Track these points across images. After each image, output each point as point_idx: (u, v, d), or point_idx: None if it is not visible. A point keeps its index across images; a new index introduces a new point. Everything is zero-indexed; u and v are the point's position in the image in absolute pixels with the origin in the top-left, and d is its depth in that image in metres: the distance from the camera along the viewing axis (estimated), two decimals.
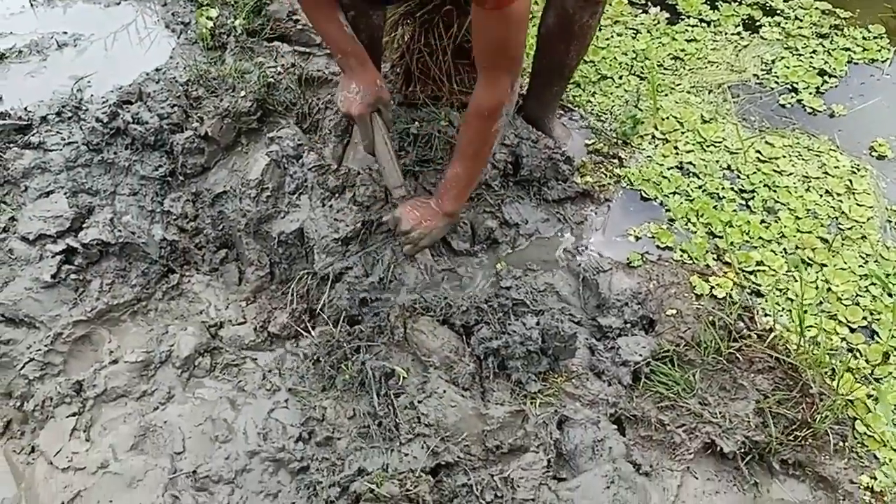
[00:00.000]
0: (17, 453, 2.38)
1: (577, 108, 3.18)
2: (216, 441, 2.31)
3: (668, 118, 3.10)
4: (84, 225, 2.71)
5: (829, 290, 2.53)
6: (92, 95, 3.14)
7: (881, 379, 2.33)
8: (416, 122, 2.77)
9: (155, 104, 2.96)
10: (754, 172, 2.88)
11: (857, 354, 2.40)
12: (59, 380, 2.44)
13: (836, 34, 3.43)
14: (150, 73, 3.20)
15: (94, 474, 2.24)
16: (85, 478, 2.24)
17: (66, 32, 3.56)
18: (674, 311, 2.45)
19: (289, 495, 2.22)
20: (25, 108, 3.04)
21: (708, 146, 3.00)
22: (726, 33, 3.50)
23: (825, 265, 2.59)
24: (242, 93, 2.97)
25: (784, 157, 2.93)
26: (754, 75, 3.31)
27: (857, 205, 2.76)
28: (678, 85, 3.27)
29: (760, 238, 2.68)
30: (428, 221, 2.44)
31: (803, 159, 2.93)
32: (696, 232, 2.73)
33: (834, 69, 3.29)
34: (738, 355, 2.32)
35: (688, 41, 3.48)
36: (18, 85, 3.28)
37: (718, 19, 3.56)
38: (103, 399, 2.42)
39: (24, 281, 2.57)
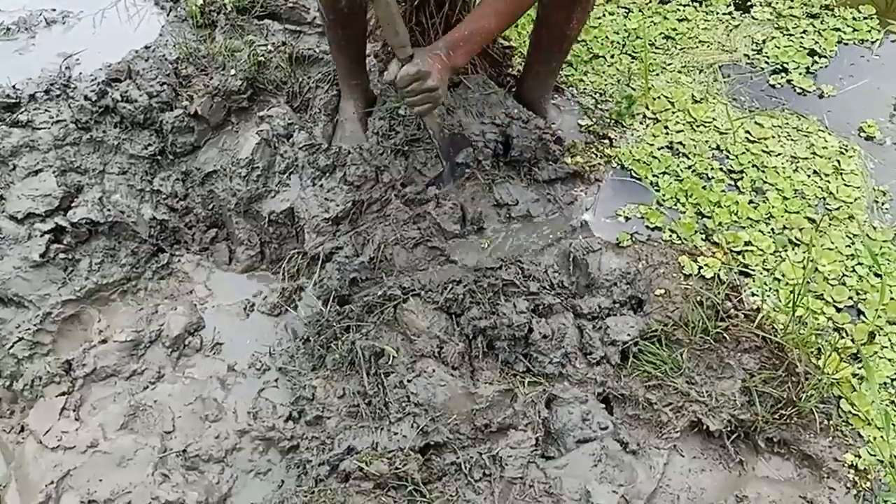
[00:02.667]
0: (7, 432, 2.39)
1: (568, 88, 3.17)
2: (206, 420, 2.33)
3: (659, 98, 3.10)
4: (73, 204, 2.70)
5: (816, 270, 2.54)
6: (80, 73, 3.12)
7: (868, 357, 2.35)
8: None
9: (144, 82, 2.94)
10: (743, 153, 2.89)
11: (844, 334, 2.41)
12: (48, 359, 2.44)
13: (827, 14, 3.43)
14: (140, 51, 3.17)
15: (83, 453, 2.25)
16: (74, 457, 2.25)
17: (54, 9, 3.53)
18: (662, 291, 2.47)
19: (279, 474, 2.24)
20: (13, 86, 3.02)
21: (698, 126, 3.00)
22: (717, 13, 3.50)
23: (812, 245, 2.60)
24: (233, 71, 2.95)
25: (773, 137, 2.94)
26: (745, 55, 3.31)
27: (845, 185, 2.78)
28: (669, 64, 3.27)
29: (749, 218, 2.69)
30: (441, 74, 2.26)
31: (792, 140, 2.94)
32: (685, 212, 2.73)
33: (824, 49, 3.29)
34: (725, 335, 2.33)
35: (679, 20, 3.47)
36: (6, 62, 3.26)
37: None
38: (93, 378, 2.43)
39: (13, 260, 2.56)
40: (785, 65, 3.24)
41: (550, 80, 2.94)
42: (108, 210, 2.69)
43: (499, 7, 2.26)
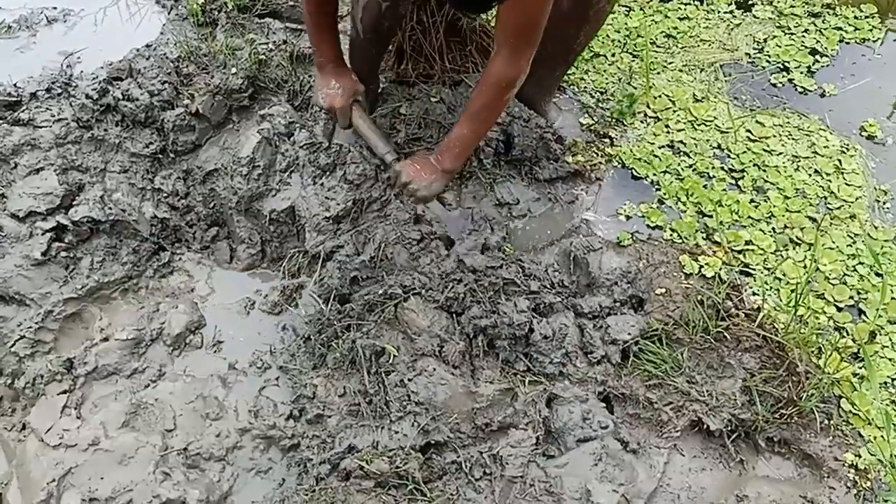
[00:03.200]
0: (8, 430, 2.39)
1: (570, 86, 3.17)
2: (207, 418, 2.33)
3: (660, 96, 3.10)
4: (74, 202, 2.70)
5: (816, 269, 2.54)
6: (82, 72, 3.12)
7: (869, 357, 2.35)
8: (408, 101, 2.77)
9: (145, 81, 2.94)
10: (744, 152, 2.89)
11: (844, 333, 2.41)
12: (49, 357, 2.45)
13: (829, 13, 3.43)
14: (141, 50, 3.17)
15: (85, 451, 2.26)
16: (76, 455, 2.25)
17: (55, 7, 3.52)
18: (663, 290, 2.47)
19: (280, 472, 2.24)
20: (15, 84, 3.02)
21: (699, 125, 3.00)
22: (719, 11, 3.49)
23: (813, 245, 2.60)
24: (234, 70, 2.95)
25: (774, 136, 2.94)
26: (746, 54, 3.30)
27: (846, 184, 2.78)
28: (670, 63, 3.27)
29: (749, 217, 2.69)
30: (426, 175, 2.44)
31: (793, 139, 2.94)
32: (685, 211, 2.73)
33: (825, 49, 3.28)
34: (725, 334, 2.33)
35: (680, 19, 3.47)
36: (7, 61, 3.25)
37: None
38: (94, 376, 2.43)
39: (15, 258, 2.56)
40: (786, 64, 3.24)
41: (553, 87, 2.94)
42: (110, 208, 2.69)
43: (474, 115, 2.37)
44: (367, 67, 2.75)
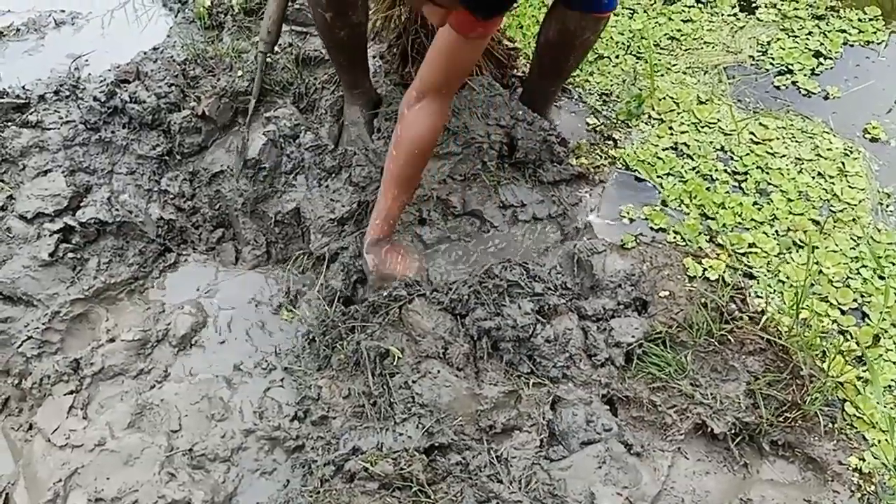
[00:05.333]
0: (15, 430, 2.41)
1: (574, 88, 3.18)
2: (212, 419, 2.34)
3: (664, 98, 3.10)
4: (81, 204, 2.72)
5: (820, 272, 2.55)
6: (89, 74, 3.14)
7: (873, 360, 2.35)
8: None
9: (152, 83, 2.96)
10: (748, 154, 2.89)
11: (848, 337, 2.41)
12: (56, 358, 2.46)
13: (832, 16, 3.43)
14: (148, 52, 3.20)
15: (91, 452, 2.27)
16: (82, 455, 2.26)
17: (63, 10, 3.56)
18: (666, 293, 2.47)
19: (284, 473, 2.25)
20: (23, 87, 3.05)
21: (702, 127, 3.01)
22: (722, 14, 3.50)
23: (816, 247, 2.60)
24: (240, 72, 2.97)
25: (777, 138, 2.94)
26: (750, 56, 3.31)
27: (850, 187, 2.78)
28: (674, 65, 3.28)
29: (753, 220, 2.69)
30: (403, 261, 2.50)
31: (797, 141, 2.94)
32: (689, 213, 2.74)
33: (829, 51, 3.29)
34: (729, 337, 2.34)
35: (684, 21, 3.47)
36: (16, 63, 3.28)
37: (715, 0, 3.55)
38: (100, 377, 2.45)
39: (22, 259, 2.58)
40: (790, 66, 3.24)
41: (551, 98, 2.95)
42: (117, 210, 2.71)
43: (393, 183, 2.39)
44: (348, 74, 2.77)
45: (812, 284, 2.51)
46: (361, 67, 2.78)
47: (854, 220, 2.69)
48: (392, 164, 2.37)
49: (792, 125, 3.00)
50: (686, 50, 3.36)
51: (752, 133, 2.96)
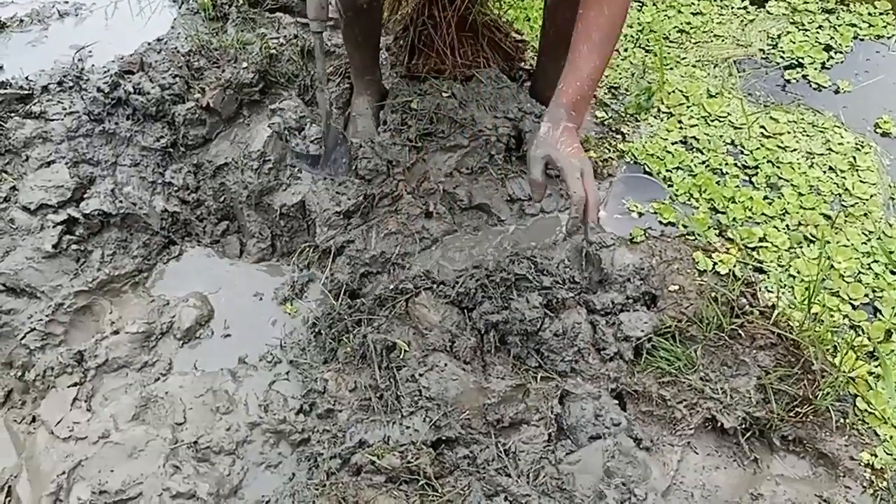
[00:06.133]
0: (18, 423, 2.39)
1: None
2: (217, 412, 2.32)
3: (673, 92, 3.08)
4: (85, 195, 2.71)
5: (831, 266, 2.52)
6: (93, 65, 3.12)
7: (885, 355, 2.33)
8: (419, 96, 2.75)
9: (156, 74, 2.94)
10: (758, 148, 2.87)
11: (860, 331, 2.39)
12: (60, 350, 2.45)
13: (843, 9, 3.40)
14: (152, 43, 3.18)
15: (95, 444, 2.25)
16: (86, 447, 2.24)
17: (66, 1, 3.54)
18: (676, 287, 2.45)
19: (290, 467, 2.23)
20: (27, 78, 3.03)
21: (712, 121, 2.98)
22: (732, 7, 3.48)
23: (828, 242, 2.58)
24: (244, 64, 2.95)
25: (788, 132, 2.92)
26: (760, 50, 3.28)
27: (861, 182, 2.75)
28: (684, 59, 3.25)
29: (763, 214, 2.67)
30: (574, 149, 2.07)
31: (807, 135, 2.91)
32: (698, 208, 2.71)
33: (840, 45, 3.26)
34: (740, 331, 2.31)
35: (693, 14, 3.45)
36: (19, 54, 3.27)
37: None
38: (104, 369, 2.43)
39: (26, 251, 2.57)
40: (800, 60, 3.22)
41: (559, 76, 2.91)
42: (121, 202, 2.69)
43: (604, 37, 2.05)
44: (359, 55, 2.74)
45: (823, 279, 2.49)
46: (373, 52, 2.76)
47: (865, 214, 2.66)
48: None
49: (803, 119, 2.97)
50: (696, 43, 3.33)
51: (762, 127, 2.94)
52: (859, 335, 2.38)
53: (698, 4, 3.48)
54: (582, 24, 2.06)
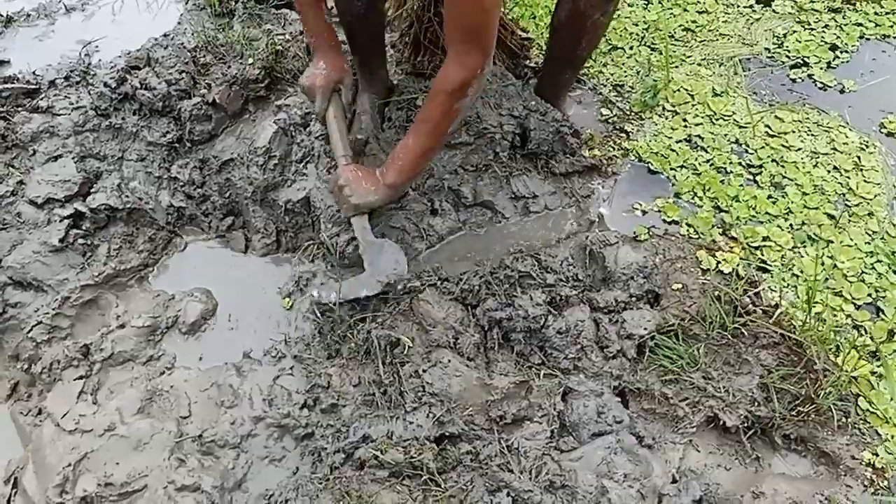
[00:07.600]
0: (25, 415, 2.40)
1: (589, 79, 3.16)
2: (222, 406, 2.33)
3: (678, 90, 3.08)
4: (92, 190, 2.72)
5: (834, 266, 2.53)
6: (100, 60, 3.13)
7: (887, 355, 2.33)
8: (424, 93, 2.76)
9: (163, 70, 2.95)
10: (762, 147, 2.87)
11: (863, 331, 2.39)
12: (66, 343, 2.46)
13: (849, 9, 3.40)
14: (158, 39, 3.19)
15: (100, 437, 2.27)
16: (92, 440, 2.26)
17: None
18: (679, 286, 2.45)
19: (293, 461, 2.24)
20: (34, 72, 3.04)
21: (717, 119, 2.99)
22: (738, 6, 3.48)
23: (831, 241, 2.58)
24: (250, 60, 2.95)
25: (793, 132, 2.92)
26: (766, 49, 3.28)
27: (865, 181, 2.75)
28: (689, 57, 3.25)
29: (767, 213, 2.67)
30: (365, 184, 2.39)
31: (812, 135, 2.92)
32: (702, 206, 2.72)
33: (845, 44, 3.26)
34: (743, 330, 2.32)
35: (699, 13, 3.45)
36: (26, 49, 3.28)
37: None
38: (110, 363, 2.45)
39: (32, 244, 2.58)
40: (806, 59, 3.22)
41: (565, 89, 2.92)
42: (127, 196, 2.70)
43: (420, 124, 2.29)
44: (363, 54, 2.75)
45: (826, 279, 2.49)
46: (379, 51, 2.77)
47: (869, 214, 2.66)
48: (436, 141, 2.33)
49: (808, 118, 2.97)
50: (701, 41, 3.33)
51: (767, 126, 2.94)
52: (862, 335, 2.38)
53: (704, 3, 3.48)
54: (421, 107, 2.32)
